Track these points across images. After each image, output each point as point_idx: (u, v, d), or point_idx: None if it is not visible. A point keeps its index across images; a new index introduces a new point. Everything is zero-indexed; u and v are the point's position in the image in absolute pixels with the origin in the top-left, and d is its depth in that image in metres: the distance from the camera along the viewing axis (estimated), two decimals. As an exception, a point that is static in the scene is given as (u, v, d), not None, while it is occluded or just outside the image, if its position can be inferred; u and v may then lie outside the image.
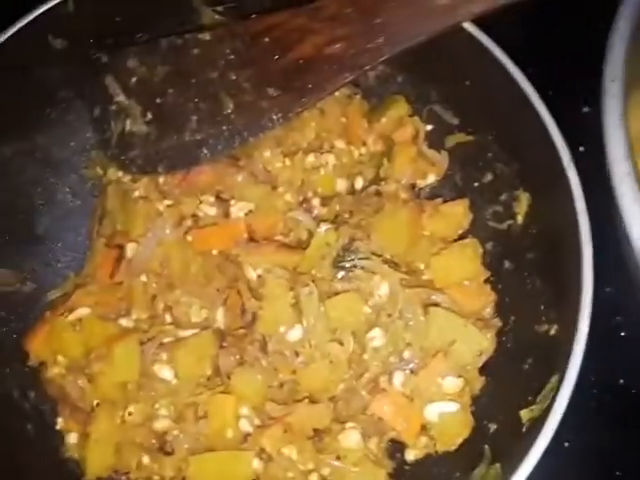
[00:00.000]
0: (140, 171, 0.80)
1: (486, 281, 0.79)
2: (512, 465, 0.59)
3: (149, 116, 0.78)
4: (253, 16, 0.75)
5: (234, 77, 0.73)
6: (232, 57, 0.74)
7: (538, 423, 0.59)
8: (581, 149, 0.76)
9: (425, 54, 0.82)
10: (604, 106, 0.71)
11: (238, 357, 0.75)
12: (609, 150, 0.65)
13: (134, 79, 0.78)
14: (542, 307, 0.70)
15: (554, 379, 0.61)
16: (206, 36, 0.76)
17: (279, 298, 0.75)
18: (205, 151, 0.76)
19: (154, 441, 0.75)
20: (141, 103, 0.78)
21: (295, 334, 0.75)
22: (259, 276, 0.78)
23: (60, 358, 0.79)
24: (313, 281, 0.76)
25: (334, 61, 0.68)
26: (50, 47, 0.80)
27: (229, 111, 0.73)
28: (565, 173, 0.67)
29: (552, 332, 0.67)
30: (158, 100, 0.77)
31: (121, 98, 0.78)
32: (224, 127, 0.74)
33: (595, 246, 0.66)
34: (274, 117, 0.72)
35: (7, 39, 0.76)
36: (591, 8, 0.86)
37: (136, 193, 0.83)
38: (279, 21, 0.72)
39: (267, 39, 0.72)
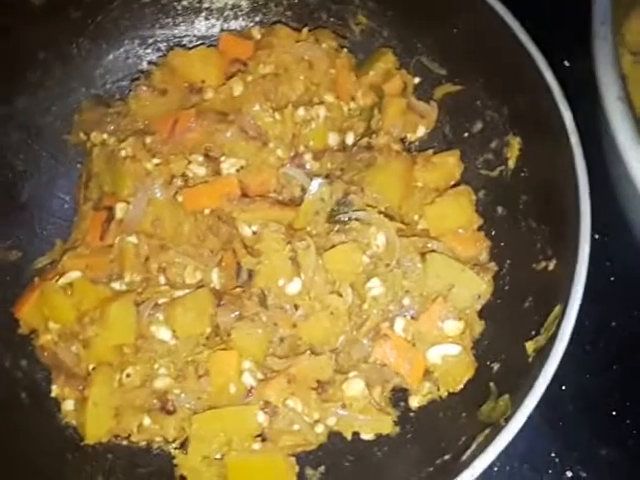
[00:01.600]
0: None
1: (480, 228, 0.79)
2: (521, 395, 0.59)
3: None
4: None
5: None
6: None
7: (545, 351, 0.60)
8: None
9: (410, 6, 0.83)
10: (595, 48, 0.72)
11: (237, 313, 0.74)
12: (603, 90, 0.67)
13: None
14: (538, 246, 0.70)
15: (557, 308, 0.62)
16: None
17: (277, 252, 0.74)
18: None
19: (155, 401, 0.74)
20: None
21: (294, 287, 0.74)
22: (254, 232, 0.78)
23: (52, 325, 0.77)
24: (310, 236, 0.75)
25: None
26: (28, 4, 0.78)
27: None
28: (560, 113, 0.67)
29: (551, 267, 0.67)
30: None
31: None
32: None
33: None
34: None
35: (-17, -5, 0.74)
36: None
37: (122, 153, 0.81)
38: None
39: None
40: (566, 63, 0.97)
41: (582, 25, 0.72)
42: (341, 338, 0.75)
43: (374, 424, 0.71)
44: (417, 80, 0.87)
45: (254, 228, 0.78)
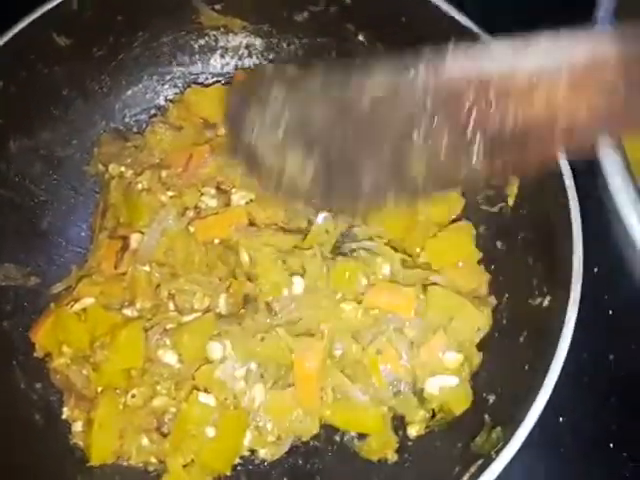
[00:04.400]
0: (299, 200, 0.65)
1: (480, 262, 0.82)
2: (512, 428, 0.61)
3: (315, 155, 0.57)
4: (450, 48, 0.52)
5: (424, 132, 0.52)
6: (420, 109, 0.52)
7: (535, 387, 0.62)
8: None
9: (417, 47, 0.86)
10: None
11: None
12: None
13: (285, 112, 0.56)
14: (535, 281, 0.72)
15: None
16: (377, 78, 0.55)
17: (271, 268, 0.78)
18: (387, 197, 0.58)
19: (153, 421, 0.77)
20: (301, 143, 0.57)
21: (298, 287, 0.77)
22: (251, 258, 0.81)
23: (65, 348, 0.80)
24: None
25: (570, 123, 0.49)
26: (54, 45, 0.83)
27: (417, 169, 0.54)
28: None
29: (545, 303, 0.70)
30: (323, 144, 0.56)
31: (273, 131, 0.57)
32: (409, 181, 0.56)
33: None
34: (477, 177, 0.55)
35: (13, 36, 0.78)
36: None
37: (139, 186, 0.85)
38: (492, 63, 0.50)
39: (472, 90, 0.50)
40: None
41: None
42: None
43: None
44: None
45: (251, 253, 0.81)
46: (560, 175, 0.69)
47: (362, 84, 0.55)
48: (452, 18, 0.79)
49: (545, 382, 0.61)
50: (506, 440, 0.60)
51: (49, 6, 0.79)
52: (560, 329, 0.63)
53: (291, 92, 0.57)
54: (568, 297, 0.63)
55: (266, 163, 0.58)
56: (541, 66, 0.49)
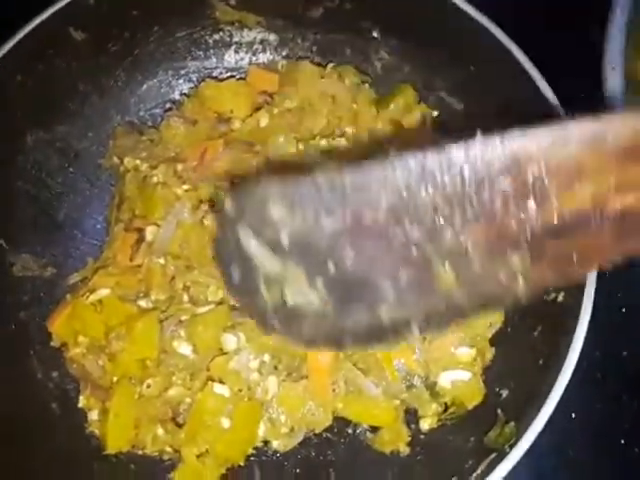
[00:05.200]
0: (313, 345, 0.59)
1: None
2: (526, 423, 0.61)
3: (320, 284, 0.50)
4: (479, 137, 0.45)
5: (452, 237, 0.46)
6: (446, 207, 0.45)
7: (549, 382, 0.62)
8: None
9: (431, 43, 0.87)
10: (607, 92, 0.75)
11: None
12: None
13: (285, 235, 0.49)
14: (549, 277, 0.73)
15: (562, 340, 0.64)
16: (396, 174, 0.46)
17: None
18: (413, 328, 0.51)
19: (168, 411, 0.77)
20: (304, 267, 0.50)
21: None
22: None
23: (81, 338, 0.81)
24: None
25: (620, 222, 0.44)
26: (71, 39, 0.83)
27: (447, 283, 0.48)
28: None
29: (560, 299, 0.70)
30: (331, 264, 0.49)
31: (269, 261, 0.50)
32: (439, 302, 0.49)
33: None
34: (518, 290, 0.48)
35: (30, 31, 0.79)
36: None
37: (154, 179, 0.85)
38: (528, 153, 0.44)
39: (508, 181, 0.44)
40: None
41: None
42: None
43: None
44: (435, 114, 0.91)
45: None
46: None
47: (377, 184, 0.46)
48: (467, 14, 0.79)
49: (559, 378, 0.61)
50: (519, 435, 0.61)
51: (66, 1, 0.80)
52: (574, 325, 0.64)
53: (291, 209, 0.48)
54: (582, 293, 0.63)
55: (262, 296, 0.52)
56: (582, 152, 0.43)
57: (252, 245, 0.51)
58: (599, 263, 0.49)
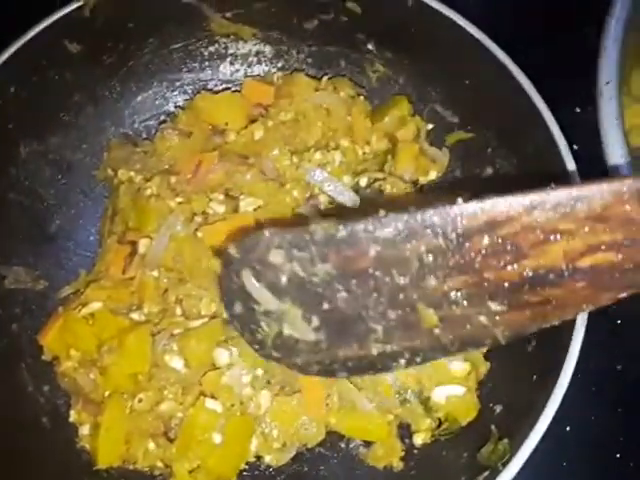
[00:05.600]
0: (308, 373, 0.63)
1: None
2: (519, 440, 0.61)
3: (315, 322, 0.57)
4: (460, 202, 0.49)
5: (436, 284, 0.52)
6: (429, 258, 0.51)
7: (543, 398, 0.62)
8: (575, 147, 0.80)
9: (425, 56, 0.87)
10: (600, 108, 0.75)
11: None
12: (608, 150, 0.70)
13: (283, 277, 0.56)
14: (543, 292, 0.72)
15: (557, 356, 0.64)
16: (384, 231, 0.51)
17: None
18: (400, 362, 0.57)
19: (160, 425, 0.77)
20: (300, 306, 0.57)
21: None
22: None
23: (73, 352, 0.81)
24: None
25: (592, 276, 0.49)
26: (66, 51, 0.83)
27: (431, 325, 0.53)
28: (564, 165, 0.70)
29: (554, 313, 0.69)
30: (325, 304, 0.56)
31: (268, 300, 0.58)
32: (425, 341, 0.55)
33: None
34: (498, 334, 0.53)
35: (25, 43, 0.79)
36: (583, 13, 0.92)
37: (148, 191, 0.85)
38: (505, 216, 0.48)
39: (487, 239, 0.49)
40: (577, 110, 1.00)
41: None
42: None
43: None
44: (430, 127, 0.91)
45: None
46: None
47: (367, 238, 0.52)
48: (461, 28, 0.80)
49: (553, 395, 0.61)
50: (513, 452, 0.60)
51: (61, 13, 0.80)
52: (569, 340, 0.63)
53: (290, 256, 0.55)
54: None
55: (262, 328, 0.59)
56: (555, 216, 0.48)
57: (253, 286, 0.57)
58: (574, 312, 0.54)
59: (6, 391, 0.78)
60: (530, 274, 0.49)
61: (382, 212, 0.52)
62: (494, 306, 0.52)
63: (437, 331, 0.53)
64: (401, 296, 0.53)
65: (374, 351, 0.56)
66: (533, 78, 0.77)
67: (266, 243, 0.56)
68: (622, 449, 0.82)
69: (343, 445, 0.79)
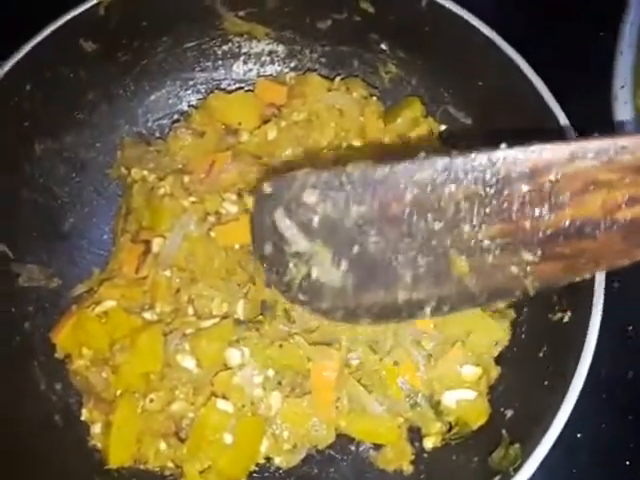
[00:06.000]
0: (332, 319, 0.62)
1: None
2: (531, 445, 0.61)
3: (344, 265, 0.56)
4: (503, 147, 0.49)
5: (470, 232, 0.51)
6: (466, 205, 0.50)
7: (555, 404, 0.61)
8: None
9: (438, 56, 0.87)
10: (615, 111, 0.75)
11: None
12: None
13: (316, 218, 0.55)
14: (555, 297, 0.72)
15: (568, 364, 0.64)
16: (423, 173, 0.51)
17: None
18: (426, 310, 0.56)
19: (171, 425, 0.77)
20: (331, 248, 0.56)
21: None
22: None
23: (85, 350, 0.81)
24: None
25: (629, 230, 0.48)
26: (80, 50, 0.83)
27: (462, 272, 0.53)
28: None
29: (565, 319, 0.69)
30: (356, 248, 0.55)
31: (299, 240, 0.57)
32: (453, 289, 0.54)
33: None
34: (528, 285, 0.53)
35: (40, 41, 0.79)
36: (599, 17, 0.91)
37: (161, 191, 0.85)
38: (547, 162, 0.48)
39: (526, 186, 0.49)
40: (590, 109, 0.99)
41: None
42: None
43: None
44: (443, 128, 0.90)
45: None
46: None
47: (405, 180, 0.51)
48: (474, 28, 0.79)
49: (565, 401, 0.61)
50: (524, 457, 0.60)
51: (76, 12, 0.80)
52: (581, 346, 0.63)
53: (324, 196, 0.54)
54: (589, 314, 0.63)
55: (290, 270, 0.58)
56: (597, 165, 0.47)
57: (286, 225, 0.57)
58: (607, 266, 0.53)
59: (18, 389, 0.78)
60: (566, 224, 0.49)
61: (422, 153, 0.51)
62: (527, 256, 0.51)
63: (467, 280, 0.53)
64: (434, 242, 0.52)
65: (400, 298, 0.55)
66: (544, 77, 0.76)
67: (301, 182, 0.55)
68: (632, 456, 0.82)
69: (353, 448, 0.79)
